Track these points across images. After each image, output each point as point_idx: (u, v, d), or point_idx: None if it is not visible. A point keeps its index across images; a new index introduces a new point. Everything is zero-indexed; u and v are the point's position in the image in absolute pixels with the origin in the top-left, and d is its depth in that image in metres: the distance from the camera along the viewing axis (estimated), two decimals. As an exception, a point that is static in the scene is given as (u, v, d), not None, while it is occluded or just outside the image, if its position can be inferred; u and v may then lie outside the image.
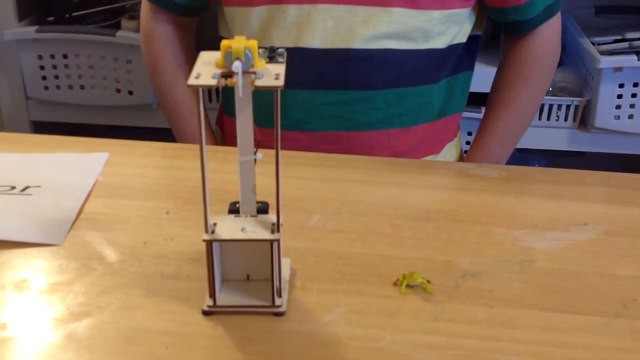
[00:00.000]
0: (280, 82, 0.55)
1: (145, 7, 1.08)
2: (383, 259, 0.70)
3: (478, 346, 0.59)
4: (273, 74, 0.56)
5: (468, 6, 0.98)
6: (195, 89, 0.55)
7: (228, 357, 0.58)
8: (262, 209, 0.64)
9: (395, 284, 0.66)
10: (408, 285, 0.66)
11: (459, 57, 1.03)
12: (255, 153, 0.61)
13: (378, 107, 0.99)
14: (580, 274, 0.69)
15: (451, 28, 0.97)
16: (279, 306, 0.63)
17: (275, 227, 0.61)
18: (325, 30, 0.94)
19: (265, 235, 0.60)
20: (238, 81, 0.55)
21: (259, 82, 0.55)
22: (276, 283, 0.62)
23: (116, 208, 0.79)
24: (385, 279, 0.67)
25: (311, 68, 0.96)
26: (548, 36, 1.05)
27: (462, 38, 1.01)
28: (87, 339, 0.60)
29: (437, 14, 0.94)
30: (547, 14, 1.03)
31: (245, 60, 0.55)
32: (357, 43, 0.94)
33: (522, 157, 2.05)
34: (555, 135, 1.86)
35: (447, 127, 1.08)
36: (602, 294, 0.67)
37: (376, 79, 0.97)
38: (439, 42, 0.97)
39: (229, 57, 0.55)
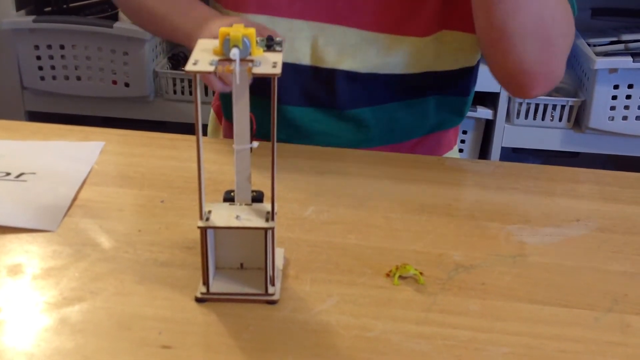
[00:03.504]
0: (278, 70, 0.55)
1: None
2: (376, 251, 0.71)
3: (469, 337, 0.60)
4: (271, 62, 0.56)
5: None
6: (193, 75, 0.55)
7: (221, 343, 0.58)
8: (257, 198, 0.64)
9: (388, 275, 0.67)
10: (401, 277, 0.67)
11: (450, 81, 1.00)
12: (251, 142, 0.61)
13: (369, 124, 0.97)
14: (572, 269, 0.70)
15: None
16: (271, 294, 0.63)
17: (270, 216, 0.61)
18: (316, 48, 0.93)
19: (260, 223, 0.61)
20: (235, 68, 0.55)
21: (257, 70, 0.55)
22: (269, 271, 0.62)
23: (111, 196, 0.79)
24: (378, 270, 0.68)
25: (300, 85, 0.95)
26: None
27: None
28: (80, 323, 0.60)
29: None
30: None
31: (243, 47, 0.55)
32: (346, 64, 0.93)
33: (516, 156, 2.06)
34: (550, 136, 1.87)
35: (442, 141, 1.06)
36: (594, 288, 0.67)
37: (366, 98, 0.95)
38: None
39: (227, 44, 0.55)
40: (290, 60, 0.94)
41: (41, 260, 0.68)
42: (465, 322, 0.61)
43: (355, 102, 0.95)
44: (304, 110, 0.96)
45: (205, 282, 0.62)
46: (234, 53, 0.54)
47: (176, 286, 0.64)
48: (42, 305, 0.62)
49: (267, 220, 0.61)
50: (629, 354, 0.59)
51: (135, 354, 0.57)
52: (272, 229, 0.60)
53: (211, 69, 0.55)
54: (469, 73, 0.99)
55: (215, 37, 0.57)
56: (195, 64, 0.55)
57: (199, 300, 0.63)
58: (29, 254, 0.69)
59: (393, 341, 0.59)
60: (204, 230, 0.60)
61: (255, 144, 0.61)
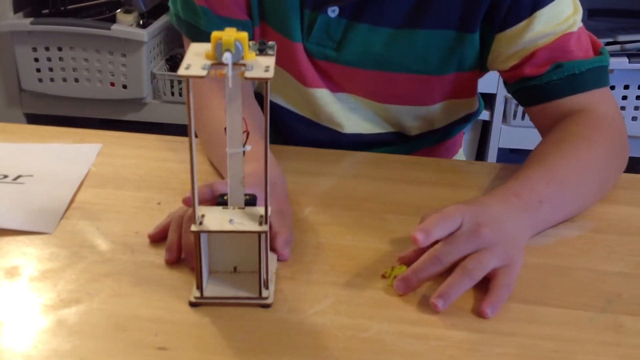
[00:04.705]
0: (270, 73, 0.55)
1: None
2: (372, 252, 0.71)
3: (463, 337, 0.60)
4: (263, 66, 0.56)
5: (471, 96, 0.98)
6: (185, 79, 0.55)
7: (216, 345, 0.58)
8: (250, 201, 0.64)
9: (383, 276, 0.67)
10: (396, 278, 0.67)
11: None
12: (244, 145, 0.61)
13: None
14: (567, 269, 0.70)
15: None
16: (265, 298, 0.63)
17: (264, 219, 0.61)
18: (324, 112, 0.95)
19: (253, 227, 0.61)
20: (228, 72, 0.55)
21: (249, 74, 0.55)
22: (263, 275, 0.62)
23: (108, 198, 0.79)
24: (374, 271, 0.68)
25: (305, 133, 0.97)
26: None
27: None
28: (76, 325, 0.60)
29: (437, 106, 0.96)
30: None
31: (236, 52, 0.55)
32: (349, 128, 0.96)
33: (513, 157, 2.07)
34: (547, 136, 1.87)
35: (449, 147, 1.08)
36: (588, 289, 0.67)
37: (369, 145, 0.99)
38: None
39: (219, 48, 0.55)
40: (304, 114, 0.96)
41: (38, 263, 0.68)
42: (459, 322, 0.62)
43: (361, 147, 0.99)
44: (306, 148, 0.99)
45: (199, 286, 0.62)
46: (227, 57, 0.54)
47: (172, 288, 0.65)
48: (39, 307, 0.62)
49: (260, 224, 0.61)
50: (623, 354, 0.60)
51: (131, 356, 0.57)
52: (266, 232, 0.61)
53: (203, 73, 0.54)
54: (471, 114, 1.03)
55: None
56: (187, 68, 0.55)
57: (193, 304, 0.63)
58: (26, 256, 0.69)
59: (387, 342, 0.59)
60: (197, 235, 0.61)
61: (248, 147, 0.61)
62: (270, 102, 0.97)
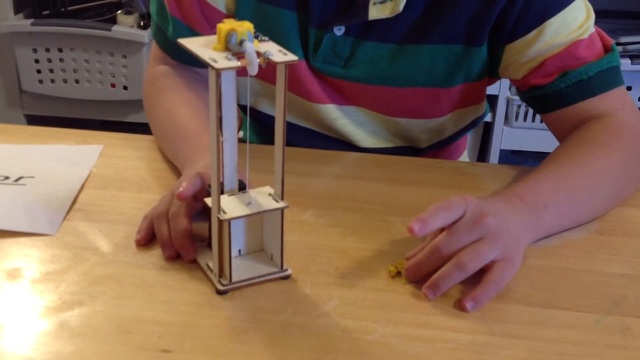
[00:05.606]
0: (292, 56, 0.57)
1: (153, 53, 0.99)
2: (376, 254, 0.71)
3: (469, 340, 0.60)
4: (276, 50, 0.58)
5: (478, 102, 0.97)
6: (217, 72, 0.55)
7: (220, 347, 0.58)
8: (242, 186, 0.66)
9: (393, 277, 0.67)
10: (399, 273, 0.67)
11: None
12: (237, 132, 0.63)
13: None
14: (572, 271, 0.70)
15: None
16: (285, 270, 0.66)
17: (279, 196, 0.63)
18: (329, 127, 0.95)
19: (273, 204, 0.63)
20: (252, 61, 0.56)
21: (276, 58, 0.57)
22: (283, 249, 0.65)
23: (110, 199, 0.79)
24: (377, 273, 0.68)
25: (308, 142, 0.97)
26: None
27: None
28: (79, 327, 0.60)
29: (446, 117, 0.95)
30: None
31: (249, 40, 0.57)
32: (358, 142, 0.96)
33: (515, 159, 2.06)
34: (548, 138, 1.86)
35: (453, 150, 1.07)
36: (593, 291, 0.67)
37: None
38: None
39: (234, 39, 0.56)
40: (302, 124, 0.96)
41: (40, 264, 0.67)
42: (465, 325, 0.61)
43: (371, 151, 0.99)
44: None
45: (229, 274, 0.63)
46: (249, 46, 0.56)
47: (175, 290, 0.64)
48: (41, 309, 0.62)
49: (276, 201, 0.63)
50: (629, 356, 0.59)
51: (134, 358, 0.57)
52: (287, 207, 0.63)
53: (237, 64, 0.56)
54: (478, 118, 1.02)
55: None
56: (216, 61, 0.56)
57: (221, 292, 0.63)
58: (28, 258, 0.68)
59: (393, 344, 0.59)
60: (227, 223, 0.61)
61: (241, 133, 0.62)
62: (268, 116, 0.96)
